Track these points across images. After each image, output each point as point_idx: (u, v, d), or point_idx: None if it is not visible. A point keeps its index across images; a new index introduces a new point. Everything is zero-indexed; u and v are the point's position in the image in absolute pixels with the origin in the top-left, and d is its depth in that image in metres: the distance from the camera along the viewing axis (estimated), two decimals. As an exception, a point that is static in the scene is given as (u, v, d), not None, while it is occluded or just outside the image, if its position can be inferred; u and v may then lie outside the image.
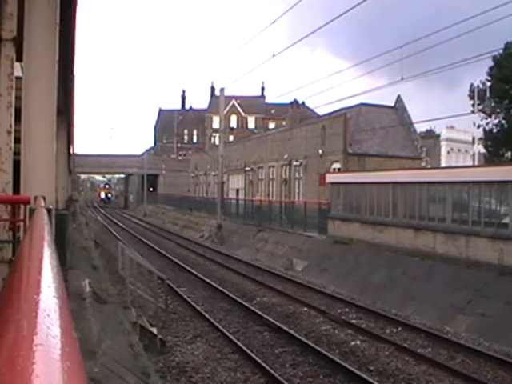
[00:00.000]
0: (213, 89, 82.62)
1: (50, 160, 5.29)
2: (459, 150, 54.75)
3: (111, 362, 6.39)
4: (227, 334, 11.85)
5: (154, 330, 10.76)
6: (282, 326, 12.54)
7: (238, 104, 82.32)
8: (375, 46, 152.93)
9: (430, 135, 56.25)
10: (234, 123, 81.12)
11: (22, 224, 4.72)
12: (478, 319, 12.60)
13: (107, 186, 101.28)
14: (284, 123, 51.54)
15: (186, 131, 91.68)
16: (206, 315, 13.51)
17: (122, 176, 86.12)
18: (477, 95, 36.49)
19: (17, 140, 5.12)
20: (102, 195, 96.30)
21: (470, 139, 45.13)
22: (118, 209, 74.65)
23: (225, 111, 40.98)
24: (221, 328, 12.30)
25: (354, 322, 13.43)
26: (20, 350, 0.63)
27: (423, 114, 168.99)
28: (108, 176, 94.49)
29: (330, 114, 33.79)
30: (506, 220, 14.90)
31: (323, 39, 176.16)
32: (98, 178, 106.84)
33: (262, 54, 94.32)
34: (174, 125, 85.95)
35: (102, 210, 68.63)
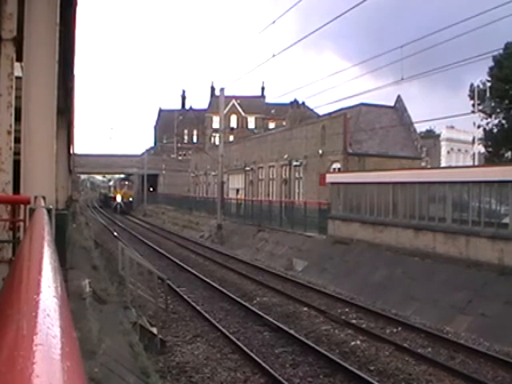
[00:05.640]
0: (213, 89, 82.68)
1: (50, 160, 5.29)
2: (459, 150, 54.73)
3: (111, 362, 6.39)
4: (227, 333, 11.84)
5: (154, 330, 10.75)
6: (281, 325, 12.53)
7: (238, 104, 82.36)
8: (382, 48, 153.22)
9: (430, 135, 56.26)
10: (234, 123, 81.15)
11: (22, 224, 4.72)
12: (478, 319, 12.60)
13: (127, 184, 66.73)
14: (284, 123, 51.57)
15: (185, 131, 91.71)
16: (206, 315, 13.51)
17: (122, 176, 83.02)
18: (477, 95, 36.50)
19: (17, 140, 5.12)
20: (119, 199, 64.12)
21: (470, 139, 45.13)
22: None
23: (225, 111, 40.99)
24: (221, 328, 12.29)
25: (354, 321, 13.42)
26: (20, 350, 0.64)
27: (427, 114, 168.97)
28: (108, 176, 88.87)
29: (330, 113, 33.80)
30: (506, 220, 14.90)
31: (331, 42, 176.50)
32: (98, 177, 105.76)
33: (262, 55, 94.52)
34: (174, 125, 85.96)
35: (101, 210, 68.43)
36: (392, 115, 33.20)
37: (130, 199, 65.04)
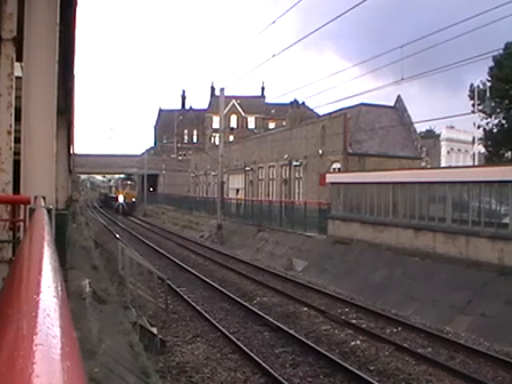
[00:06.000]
0: (213, 89, 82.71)
1: (50, 160, 5.29)
2: (459, 150, 54.74)
3: (111, 362, 6.39)
4: (227, 333, 11.84)
5: (154, 330, 10.76)
6: (281, 325, 12.53)
7: (238, 104, 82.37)
8: (382, 48, 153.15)
9: (430, 135, 56.28)
10: (234, 123, 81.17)
11: (22, 224, 4.72)
12: (478, 319, 12.60)
13: (130, 183, 62.72)
14: (284, 123, 51.58)
15: (185, 131, 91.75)
16: (206, 315, 13.51)
17: (122, 176, 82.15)
18: (477, 95, 36.50)
19: (17, 140, 5.12)
20: (121, 199, 59.78)
21: (470, 139, 45.13)
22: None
23: (225, 111, 40.99)
24: (221, 328, 12.29)
25: (354, 321, 13.42)
26: (20, 350, 0.64)
27: (427, 114, 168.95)
28: (108, 176, 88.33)
29: (330, 113, 33.81)
30: (506, 220, 14.90)
31: (331, 42, 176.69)
32: (98, 177, 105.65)
33: (262, 55, 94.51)
34: (174, 125, 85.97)
35: (101, 210, 68.35)
36: (392, 115, 33.20)
37: (133, 199, 60.94)
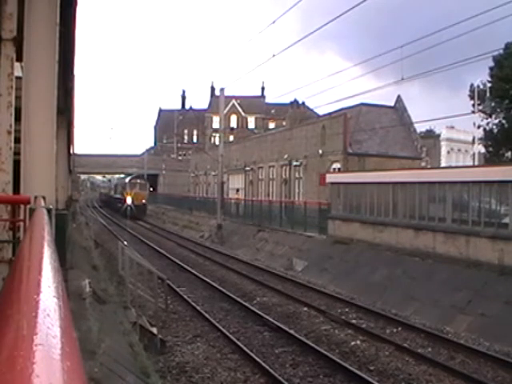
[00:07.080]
0: (213, 89, 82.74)
1: (50, 160, 5.28)
2: (459, 150, 54.74)
3: (111, 362, 6.39)
4: (227, 333, 11.84)
5: (154, 330, 10.75)
6: (281, 325, 12.53)
7: (238, 104, 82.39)
8: (384, 48, 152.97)
9: (430, 135, 56.24)
10: (234, 123, 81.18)
11: (22, 224, 4.72)
12: (478, 319, 12.60)
13: (139, 182, 54.76)
14: (284, 123, 51.60)
15: (185, 131, 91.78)
16: (206, 315, 13.51)
17: (122, 176, 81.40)
18: (477, 95, 36.50)
19: (17, 140, 5.12)
20: (129, 201, 50.85)
21: (470, 139, 45.11)
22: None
23: (225, 111, 41.00)
24: (221, 328, 12.29)
25: (354, 321, 13.42)
26: (20, 350, 0.64)
27: (427, 114, 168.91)
28: (108, 176, 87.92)
29: (330, 113, 33.81)
30: (506, 220, 14.90)
31: (333, 43, 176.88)
32: (99, 177, 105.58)
33: (262, 55, 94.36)
34: (174, 125, 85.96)
35: (101, 210, 68.31)
36: (392, 115, 33.21)
37: (143, 201, 52.95)
